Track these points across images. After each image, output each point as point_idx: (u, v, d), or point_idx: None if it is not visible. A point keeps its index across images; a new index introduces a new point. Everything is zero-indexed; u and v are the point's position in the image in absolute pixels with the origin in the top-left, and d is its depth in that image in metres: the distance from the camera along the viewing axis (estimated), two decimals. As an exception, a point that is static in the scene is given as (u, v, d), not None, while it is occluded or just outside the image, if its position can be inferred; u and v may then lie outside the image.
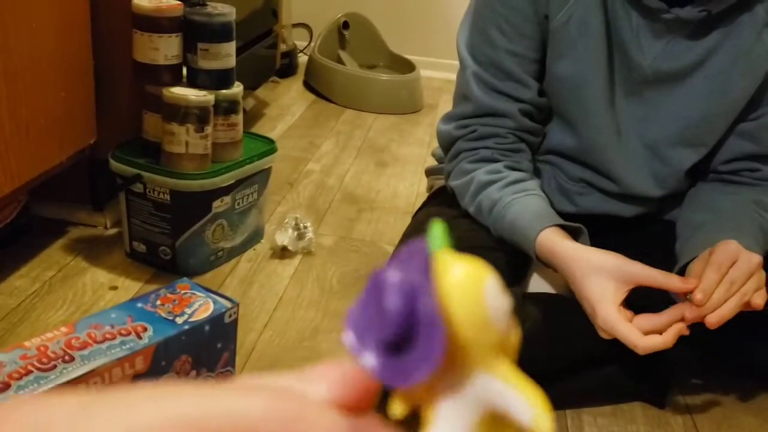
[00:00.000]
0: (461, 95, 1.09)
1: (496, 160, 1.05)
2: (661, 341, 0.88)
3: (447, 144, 1.12)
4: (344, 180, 1.82)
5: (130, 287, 1.27)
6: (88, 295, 1.24)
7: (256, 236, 1.44)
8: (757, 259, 0.90)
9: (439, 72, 2.69)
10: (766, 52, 0.99)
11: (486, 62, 1.04)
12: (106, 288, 1.26)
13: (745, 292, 0.89)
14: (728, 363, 1.10)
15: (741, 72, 1.00)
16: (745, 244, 0.98)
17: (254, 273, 1.35)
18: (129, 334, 0.63)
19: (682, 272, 0.95)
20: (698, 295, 0.88)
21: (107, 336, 0.62)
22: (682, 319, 0.90)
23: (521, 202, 1.00)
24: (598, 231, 1.05)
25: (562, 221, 0.98)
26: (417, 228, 1.16)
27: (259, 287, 1.31)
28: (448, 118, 1.12)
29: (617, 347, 0.91)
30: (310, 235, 1.44)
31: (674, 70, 1.01)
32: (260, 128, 2.08)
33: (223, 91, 1.30)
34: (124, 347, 0.62)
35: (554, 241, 0.95)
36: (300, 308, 1.26)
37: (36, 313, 1.17)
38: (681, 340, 0.91)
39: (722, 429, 1.05)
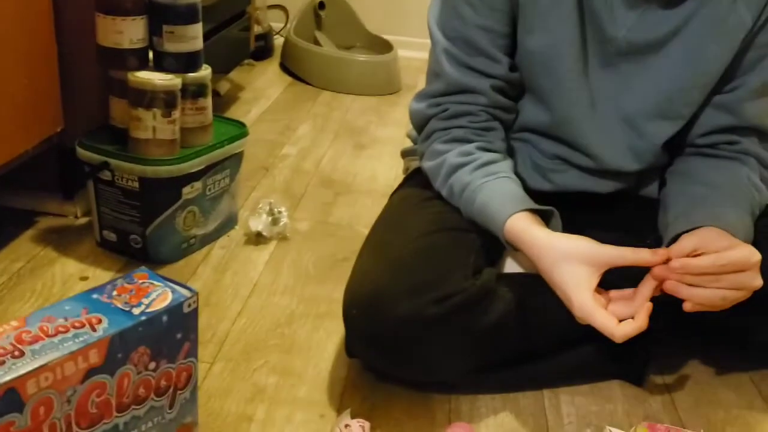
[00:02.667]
0: (433, 73, 1.07)
1: (468, 141, 1.03)
2: (636, 326, 0.86)
3: (420, 123, 1.10)
4: (321, 163, 1.80)
5: (101, 277, 1.24)
6: (57, 286, 1.21)
7: (229, 222, 1.41)
8: (758, 282, 0.89)
9: (418, 52, 2.66)
10: (740, 23, 0.98)
11: (456, 38, 1.02)
12: (76, 279, 1.24)
13: (725, 296, 0.88)
14: (705, 337, 1.09)
15: (716, 42, 0.98)
16: (745, 222, 0.97)
17: (228, 260, 1.33)
18: (83, 326, 0.61)
19: (675, 240, 0.94)
20: (676, 264, 0.87)
21: (60, 329, 0.60)
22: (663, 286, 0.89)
23: (491, 186, 0.98)
24: (575, 208, 1.04)
25: (532, 205, 0.96)
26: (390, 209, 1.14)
27: (233, 274, 1.29)
28: (420, 96, 1.10)
29: (593, 327, 0.89)
30: (285, 220, 1.41)
31: (649, 41, 0.99)
32: (235, 112, 2.05)
33: (191, 74, 1.27)
34: (77, 340, 0.60)
35: (521, 228, 0.93)
36: (275, 294, 1.24)
37: (4, 305, 1.15)
38: (658, 317, 0.90)
39: (701, 405, 1.04)
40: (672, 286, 0.88)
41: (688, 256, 0.89)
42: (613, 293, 0.91)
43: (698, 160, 1.07)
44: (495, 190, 0.98)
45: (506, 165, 1.02)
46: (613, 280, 0.91)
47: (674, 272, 0.88)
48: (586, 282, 0.88)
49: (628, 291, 0.91)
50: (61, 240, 1.34)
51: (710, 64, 1.00)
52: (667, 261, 0.88)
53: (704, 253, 0.88)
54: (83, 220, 1.41)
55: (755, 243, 0.93)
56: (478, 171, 1.00)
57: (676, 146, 1.09)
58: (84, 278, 1.24)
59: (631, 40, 0.99)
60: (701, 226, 0.92)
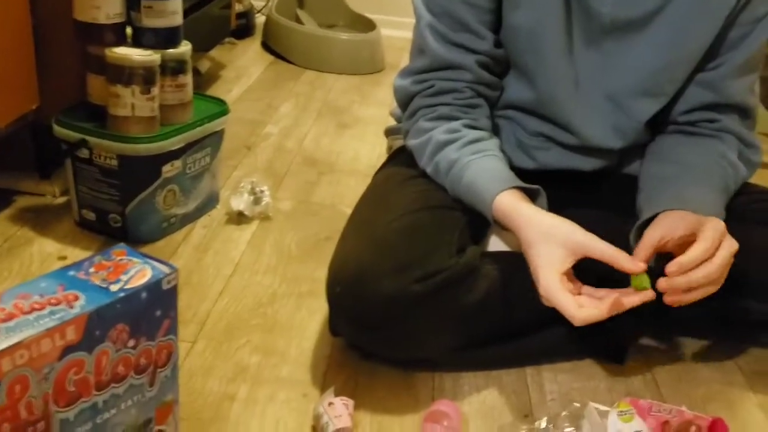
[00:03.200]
0: (418, 49, 1.06)
1: (454, 118, 1.03)
2: (597, 313, 0.85)
3: (404, 100, 1.09)
4: (304, 143, 1.78)
5: (79, 256, 1.22)
6: (35, 265, 1.19)
7: (210, 202, 1.40)
8: (735, 246, 0.87)
9: (401, 31, 2.64)
10: (724, 1, 0.97)
11: (441, 13, 1.01)
12: (54, 258, 1.22)
13: (722, 274, 0.87)
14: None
15: (699, 20, 0.98)
16: (714, 200, 0.97)
17: (209, 239, 1.32)
18: (59, 303, 0.60)
19: (646, 225, 0.94)
20: (673, 268, 0.84)
21: (35, 306, 0.59)
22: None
23: (479, 164, 0.98)
24: (558, 186, 1.03)
25: (520, 183, 0.96)
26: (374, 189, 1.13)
27: (214, 254, 1.28)
28: (405, 73, 1.09)
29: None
30: (267, 199, 1.40)
31: (633, 17, 0.98)
32: (216, 90, 2.02)
33: (170, 50, 1.25)
34: (53, 317, 0.59)
35: (510, 205, 0.93)
36: (257, 274, 1.23)
37: (-20, 285, 1.13)
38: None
39: (681, 382, 1.05)
40: (673, 301, 0.86)
41: (657, 246, 0.88)
42: (586, 288, 0.91)
43: (673, 138, 1.07)
44: (483, 167, 0.97)
45: (493, 143, 1.02)
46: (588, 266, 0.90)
47: (674, 279, 0.84)
48: (558, 263, 0.88)
49: (601, 291, 0.89)
50: (39, 219, 1.32)
51: (694, 41, 1.00)
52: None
53: (671, 239, 0.88)
54: (61, 200, 1.39)
55: (734, 220, 0.93)
56: (465, 148, 0.99)
57: (659, 123, 1.09)
58: (62, 257, 1.22)
59: (615, 17, 0.99)
60: (665, 210, 0.92)
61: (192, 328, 1.07)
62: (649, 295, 0.87)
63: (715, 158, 1.03)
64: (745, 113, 1.05)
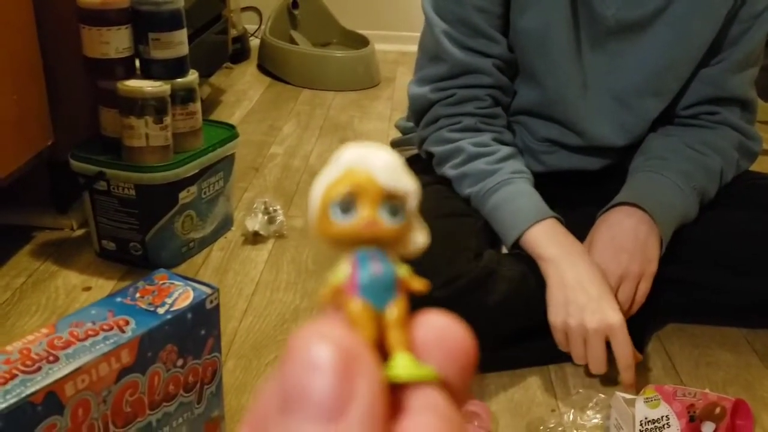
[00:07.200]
0: (431, 56, 1.07)
1: (479, 130, 1.05)
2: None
3: (423, 108, 1.10)
4: (309, 160, 1.82)
5: (104, 286, 1.25)
6: (61, 298, 1.22)
7: (226, 224, 1.43)
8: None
9: (393, 44, 2.69)
10: None
11: (454, 20, 1.03)
12: (79, 289, 1.25)
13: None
14: (704, 305, 1.13)
15: (701, 17, 1.01)
16: (671, 178, 1.02)
17: (228, 261, 1.35)
18: (111, 328, 0.63)
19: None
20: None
21: (90, 333, 0.62)
22: None
23: (519, 184, 1.02)
24: (567, 186, 1.07)
25: (556, 215, 1.01)
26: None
27: (234, 274, 1.30)
28: (421, 80, 1.10)
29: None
30: (280, 218, 1.43)
31: (637, 18, 1.02)
32: (219, 115, 2.06)
33: (179, 79, 1.28)
34: (108, 342, 0.61)
35: (557, 228, 0.99)
36: (278, 291, 1.26)
37: (11, 320, 1.15)
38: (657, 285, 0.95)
39: (699, 366, 1.08)
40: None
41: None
42: None
43: (657, 131, 1.12)
44: (525, 190, 1.01)
45: (522, 163, 1.06)
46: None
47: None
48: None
49: None
50: (60, 253, 1.35)
51: (696, 39, 1.03)
52: None
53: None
54: (80, 232, 1.41)
55: (730, 204, 1.00)
56: (503, 164, 1.02)
57: (662, 120, 1.12)
58: (87, 288, 1.25)
59: (620, 19, 1.02)
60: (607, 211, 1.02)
61: (221, 348, 1.10)
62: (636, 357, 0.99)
63: (678, 143, 1.06)
64: (745, 106, 1.09)
